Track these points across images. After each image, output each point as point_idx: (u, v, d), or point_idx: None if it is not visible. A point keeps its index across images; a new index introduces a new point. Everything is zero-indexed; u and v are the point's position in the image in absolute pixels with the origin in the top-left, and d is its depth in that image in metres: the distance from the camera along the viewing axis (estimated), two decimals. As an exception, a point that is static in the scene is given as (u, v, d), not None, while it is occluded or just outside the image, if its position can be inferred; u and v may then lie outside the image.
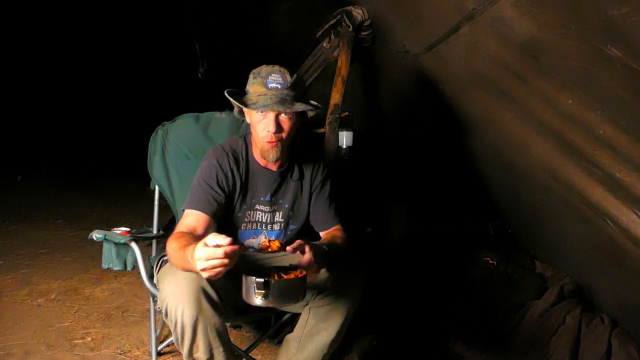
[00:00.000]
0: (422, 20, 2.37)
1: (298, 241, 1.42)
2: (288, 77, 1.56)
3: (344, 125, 2.77)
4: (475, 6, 1.91)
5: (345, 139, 2.67)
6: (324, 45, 3.14)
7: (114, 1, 6.51)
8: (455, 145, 2.80)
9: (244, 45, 4.25)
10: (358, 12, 2.83)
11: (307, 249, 1.42)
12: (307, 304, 1.64)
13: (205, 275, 1.19)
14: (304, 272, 1.38)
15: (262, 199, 1.72)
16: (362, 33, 2.90)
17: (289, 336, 1.68)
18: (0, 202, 4.79)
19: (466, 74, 2.29)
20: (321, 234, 1.81)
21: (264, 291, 1.27)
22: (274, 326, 2.01)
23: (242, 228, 1.72)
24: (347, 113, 2.88)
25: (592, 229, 2.07)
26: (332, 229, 1.80)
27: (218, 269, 1.17)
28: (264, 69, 1.59)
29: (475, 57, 2.14)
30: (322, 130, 2.70)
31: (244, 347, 1.83)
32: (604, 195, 1.89)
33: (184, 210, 1.61)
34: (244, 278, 1.32)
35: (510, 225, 2.82)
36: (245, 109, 1.63)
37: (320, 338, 1.60)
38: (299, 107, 1.56)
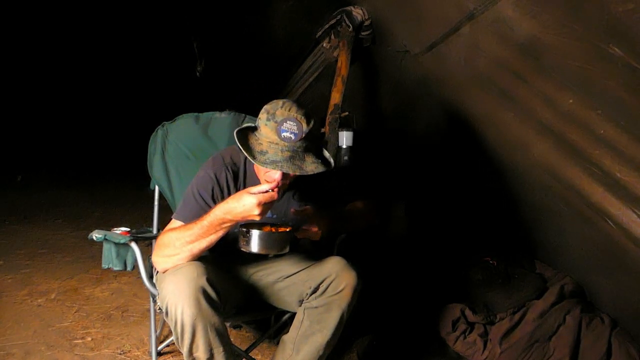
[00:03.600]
0: (423, 20, 2.37)
1: (305, 207, 1.59)
2: (304, 125, 1.46)
3: (344, 125, 2.77)
4: (476, 6, 1.91)
5: (345, 139, 2.67)
6: (324, 45, 3.14)
7: (113, 1, 6.52)
8: (455, 145, 2.79)
9: (242, 45, 4.25)
10: (358, 12, 2.84)
11: (309, 212, 1.58)
12: (301, 304, 1.63)
13: (259, 218, 1.39)
14: (288, 229, 1.53)
15: None
16: (362, 33, 2.90)
17: (285, 337, 1.68)
18: (0, 202, 4.79)
19: (466, 73, 2.29)
20: None
21: (246, 239, 1.46)
22: (274, 326, 2.00)
23: None
24: (347, 113, 2.89)
25: (592, 228, 2.07)
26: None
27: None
28: (279, 110, 1.47)
29: (475, 57, 2.14)
30: (322, 130, 2.70)
31: (244, 347, 1.83)
32: (604, 195, 1.88)
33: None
34: (239, 229, 1.51)
35: (510, 224, 2.82)
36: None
37: (315, 339, 1.60)
38: (310, 168, 1.48)
